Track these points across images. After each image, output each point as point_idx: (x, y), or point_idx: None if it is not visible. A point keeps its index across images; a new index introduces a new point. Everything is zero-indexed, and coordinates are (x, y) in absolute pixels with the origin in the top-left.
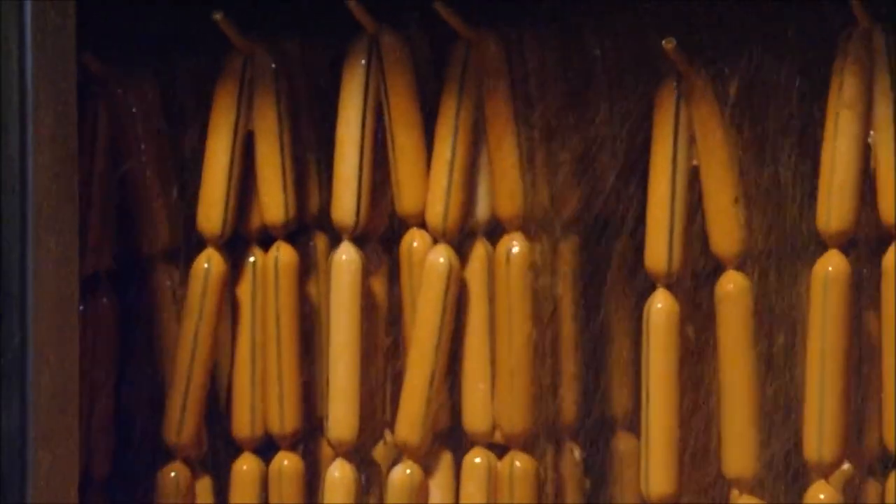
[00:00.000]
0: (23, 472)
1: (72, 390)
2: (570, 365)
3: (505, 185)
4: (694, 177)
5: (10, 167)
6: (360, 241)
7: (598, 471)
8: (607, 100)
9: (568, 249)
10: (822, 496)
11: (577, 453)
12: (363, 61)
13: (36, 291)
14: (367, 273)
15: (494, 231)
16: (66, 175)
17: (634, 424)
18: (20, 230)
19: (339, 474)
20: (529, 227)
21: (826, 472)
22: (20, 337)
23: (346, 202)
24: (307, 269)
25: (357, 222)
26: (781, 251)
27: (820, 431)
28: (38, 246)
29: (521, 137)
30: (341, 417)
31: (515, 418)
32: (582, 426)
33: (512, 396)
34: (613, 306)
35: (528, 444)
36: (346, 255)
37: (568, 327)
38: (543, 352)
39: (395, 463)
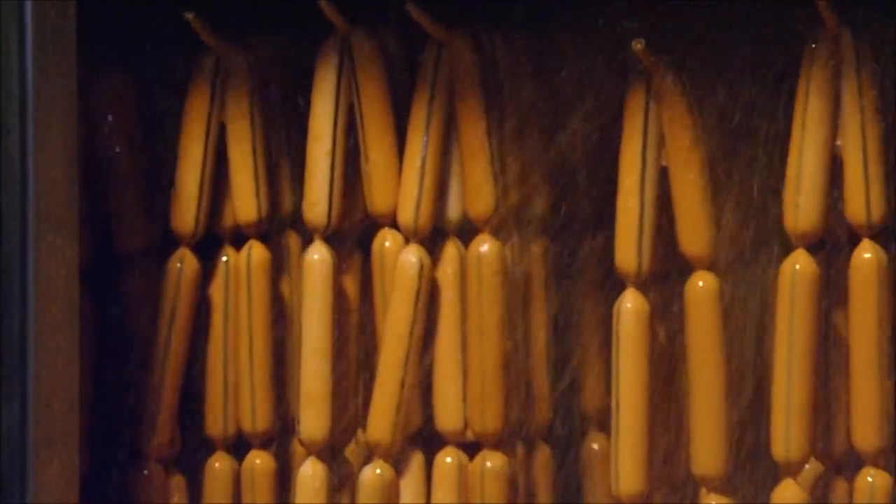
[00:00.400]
0: (23, 472)
1: (72, 390)
2: (541, 364)
3: (476, 186)
4: (663, 177)
5: (10, 167)
6: (332, 240)
7: (571, 470)
8: (578, 101)
9: (539, 249)
10: (789, 494)
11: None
12: (335, 62)
13: (36, 291)
14: (339, 272)
15: (466, 231)
16: (66, 175)
17: (606, 424)
18: (20, 230)
19: (310, 473)
20: (501, 227)
21: (794, 470)
22: (20, 336)
23: (318, 202)
24: (280, 268)
25: (329, 222)
26: (751, 251)
27: (787, 430)
28: (38, 245)
29: (493, 138)
30: (313, 417)
31: (487, 418)
32: (554, 426)
33: (483, 396)
34: (585, 306)
35: (499, 444)
36: (318, 255)
37: (539, 327)
38: (515, 351)
39: (366, 462)
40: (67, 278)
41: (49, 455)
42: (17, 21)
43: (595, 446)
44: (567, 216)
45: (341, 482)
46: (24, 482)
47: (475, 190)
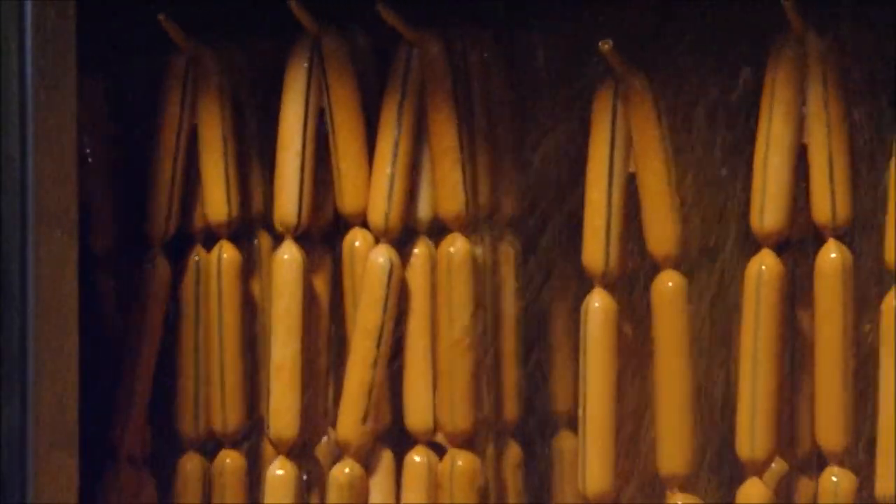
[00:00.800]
0: (23, 472)
1: (72, 390)
2: (511, 364)
3: (447, 186)
4: (632, 177)
5: (10, 167)
6: (302, 240)
7: (540, 469)
8: (549, 101)
9: (510, 249)
10: (754, 493)
11: None
12: (305, 62)
13: (36, 291)
14: (309, 272)
15: (436, 231)
16: (66, 175)
17: (576, 422)
18: (20, 230)
19: (280, 472)
20: (471, 227)
21: (758, 469)
22: (20, 337)
23: (288, 201)
24: (250, 267)
25: (299, 222)
26: (718, 251)
27: (752, 429)
28: (38, 246)
29: (463, 138)
30: (283, 416)
31: (456, 417)
32: (524, 425)
33: (453, 395)
34: (555, 305)
35: (469, 443)
36: (289, 255)
37: (509, 326)
38: (485, 351)
39: (336, 461)
40: (67, 278)
41: (49, 455)
42: (17, 21)
43: (565, 445)
44: (538, 215)
45: (310, 482)
46: (24, 482)
47: (446, 190)
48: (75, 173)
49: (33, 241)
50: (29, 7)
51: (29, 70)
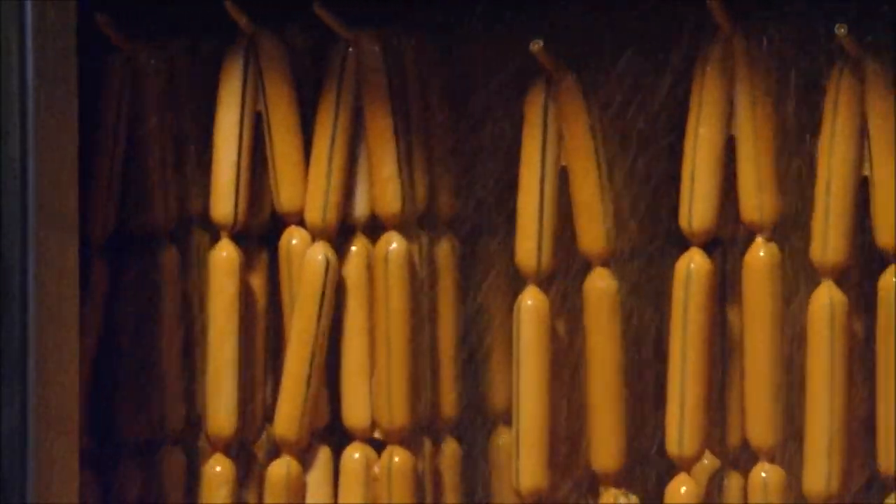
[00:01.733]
0: (23, 472)
1: (72, 390)
2: (448, 361)
3: (383, 184)
4: (564, 175)
5: (10, 167)
6: (239, 238)
7: (478, 466)
8: (486, 100)
9: (447, 246)
10: (683, 489)
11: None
12: (241, 61)
13: (36, 291)
14: (245, 270)
15: (374, 229)
16: (66, 175)
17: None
18: (20, 230)
19: (217, 469)
20: (408, 225)
21: (687, 465)
22: (20, 337)
23: (224, 200)
24: (188, 266)
25: (235, 220)
26: (649, 249)
27: (681, 425)
28: (38, 246)
29: (400, 136)
30: (220, 413)
31: (394, 414)
32: (462, 422)
33: (390, 392)
34: (492, 303)
35: (406, 440)
36: (225, 252)
37: (446, 324)
38: (422, 348)
39: (274, 458)
40: (67, 278)
41: (49, 454)
42: (17, 21)
43: (502, 442)
44: (475, 213)
45: (248, 478)
46: (24, 482)
47: (382, 188)
48: (75, 173)
49: (33, 241)
50: (29, 7)
51: (29, 70)
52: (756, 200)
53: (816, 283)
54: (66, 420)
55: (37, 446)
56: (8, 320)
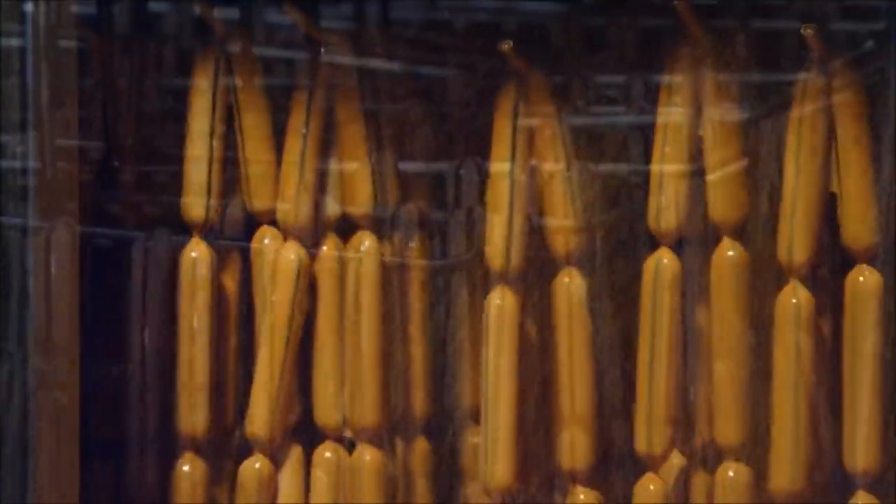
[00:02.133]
0: (23, 472)
1: (72, 390)
2: (419, 360)
3: (355, 184)
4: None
5: (11, 167)
6: (211, 237)
7: (449, 463)
8: (457, 98)
9: (418, 246)
10: (651, 487)
11: None
12: (212, 63)
13: (36, 291)
14: (218, 269)
15: (345, 228)
16: (66, 174)
17: None
18: (21, 229)
19: (188, 468)
20: (379, 224)
21: (655, 463)
22: (20, 337)
23: (196, 198)
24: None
25: (207, 219)
26: (618, 248)
27: (649, 424)
28: (38, 244)
29: (371, 136)
30: (193, 412)
31: (365, 413)
32: (432, 420)
33: (361, 391)
34: (463, 302)
35: (377, 438)
36: (197, 252)
37: (417, 323)
38: (393, 347)
39: (246, 456)
40: (68, 277)
41: (49, 454)
42: (18, 21)
43: (473, 440)
44: (447, 213)
45: (221, 477)
46: (24, 482)
47: (354, 187)
48: (76, 173)
49: (33, 241)
50: (29, 7)
51: (29, 70)
52: (723, 199)
53: (784, 282)
54: (66, 420)
55: (37, 447)
56: (8, 319)
